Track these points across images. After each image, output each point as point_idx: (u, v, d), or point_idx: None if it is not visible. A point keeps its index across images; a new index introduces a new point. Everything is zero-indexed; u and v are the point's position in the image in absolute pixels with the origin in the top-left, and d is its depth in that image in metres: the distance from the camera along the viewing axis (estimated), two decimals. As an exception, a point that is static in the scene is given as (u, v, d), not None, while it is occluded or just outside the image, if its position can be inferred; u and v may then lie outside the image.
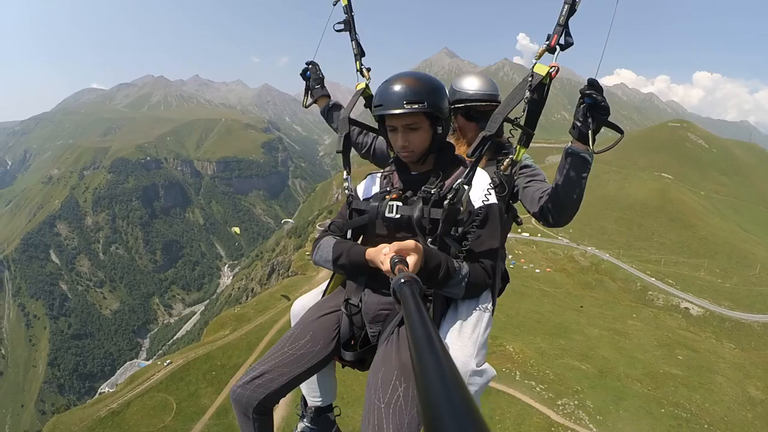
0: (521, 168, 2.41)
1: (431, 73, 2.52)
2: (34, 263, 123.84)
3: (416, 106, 1.83)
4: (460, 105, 2.53)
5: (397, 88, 1.86)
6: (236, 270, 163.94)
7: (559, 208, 2.20)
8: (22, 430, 79.55)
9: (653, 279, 69.40)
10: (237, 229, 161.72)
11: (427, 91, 1.85)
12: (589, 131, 1.97)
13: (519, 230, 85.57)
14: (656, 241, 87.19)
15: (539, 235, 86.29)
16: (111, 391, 45.13)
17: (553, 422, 30.29)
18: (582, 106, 1.97)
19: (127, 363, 78.46)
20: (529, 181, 2.38)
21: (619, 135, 1.98)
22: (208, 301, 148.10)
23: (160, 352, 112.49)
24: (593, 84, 1.93)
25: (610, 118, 1.94)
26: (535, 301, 54.04)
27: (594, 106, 1.94)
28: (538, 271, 69.55)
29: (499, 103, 2.31)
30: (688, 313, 60.94)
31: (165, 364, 42.96)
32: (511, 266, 66.60)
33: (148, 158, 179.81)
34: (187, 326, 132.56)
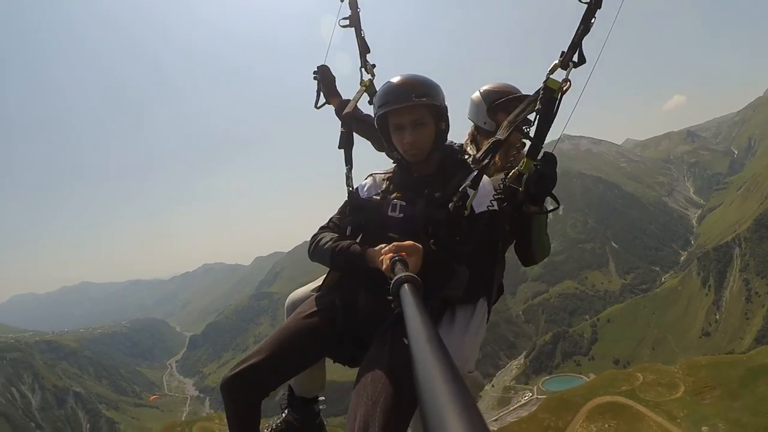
0: None
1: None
2: (764, 243, 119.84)
3: (424, 99, 1.90)
4: (500, 101, 2.53)
5: (403, 85, 1.93)
6: None
7: (519, 254, 2.49)
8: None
9: None
10: None
11: (431, 87, 1.95)
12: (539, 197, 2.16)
13: None
14: None
15: None
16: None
17: None
18: (534, 173, 2.10)
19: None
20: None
21: (557, 205, 2.26)
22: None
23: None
24: (547, 158, 2.12)
25: None
26: None
27: (544, 175, 2.09)
28: None
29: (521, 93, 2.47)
30: None
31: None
32: None
33: None
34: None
